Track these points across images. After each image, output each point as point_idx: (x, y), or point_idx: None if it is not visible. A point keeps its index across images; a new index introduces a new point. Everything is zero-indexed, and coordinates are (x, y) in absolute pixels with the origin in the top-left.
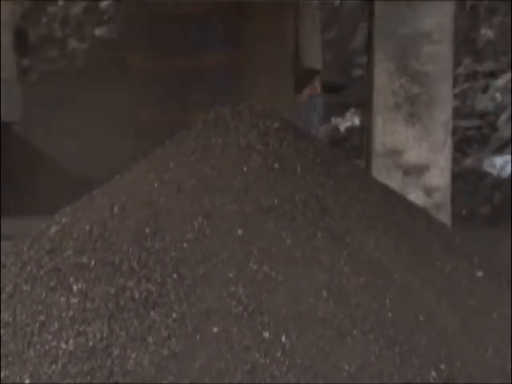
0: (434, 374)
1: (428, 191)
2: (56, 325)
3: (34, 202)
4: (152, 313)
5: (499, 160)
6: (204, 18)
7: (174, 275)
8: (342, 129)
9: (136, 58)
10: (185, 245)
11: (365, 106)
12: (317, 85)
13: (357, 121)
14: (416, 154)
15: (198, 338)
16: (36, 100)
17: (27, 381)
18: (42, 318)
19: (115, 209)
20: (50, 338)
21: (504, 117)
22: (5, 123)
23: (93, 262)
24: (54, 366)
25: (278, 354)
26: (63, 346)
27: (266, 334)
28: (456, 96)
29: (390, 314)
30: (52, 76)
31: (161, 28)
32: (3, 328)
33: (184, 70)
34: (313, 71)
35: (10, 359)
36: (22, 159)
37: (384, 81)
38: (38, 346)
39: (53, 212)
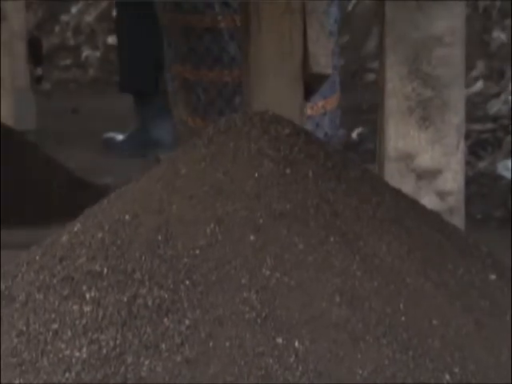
0: (447, 377)
1: (441, 195)
2: (69, 333)
3: (47, 210)
4: (165, 320)
5: None
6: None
7: (187, 282)
8: (354, 134)
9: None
10: (197, 251)
11: (377, 110)
12: (337, 95)
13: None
14: (429, 158)
15: (211, 344)
16: (50, 108)
17: None
18: (55, 326)
19: (127, 216)
20: (63, 346)
21: None
22: (18, 132)
23: (105, 270)
24: (67, 375)
25: (292, 360)
26: (77, 354)
27: (279, 340)
28: (469, 99)
29: (403, 318)
30: (65, 84)
31: (198, 40)
32: (17, 337)
33: (222, 82)
34: (322, 76)
35: (23, 368)
36: (35, 168)
37: (396, 85)
38: (51, 355)
39: (66, 220)
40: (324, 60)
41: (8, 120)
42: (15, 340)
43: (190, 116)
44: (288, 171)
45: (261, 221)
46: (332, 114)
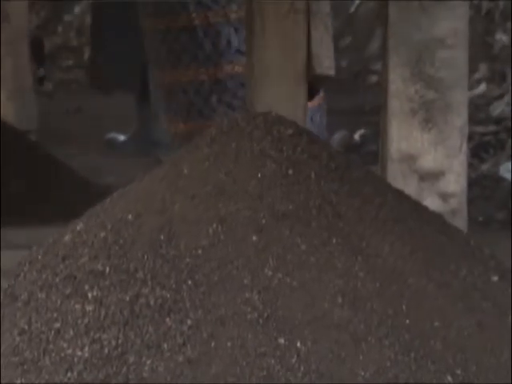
0: (449, 378)
1: (444, 197)
2: (71, 332)
3: (50, 210)
4: (167, 319)
5: None
6: (216, 28)
7: (189, 282)
8: (356, 136)
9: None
10: (199, 251)
11: (380, 112)
12: (320, 95)
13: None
14: (431, 160)
15: (213, 344)
16: (52, 108)
17: None
18: (57, 325)
19: (129, 216)
20: (65, 345)
21: None
22: (21, 132)
23: (108, 270)
24: (69, 374)
25: (293, 360)
26: (79, 353)
27: (281, 340)
28: (472, 101)
29: (405, 319)
30: (68, 85)
31: (175, 40)
32: (19, 336)
33: (199, 81)
34: (325, 78)
35: (25, 367)
36: (37, 167)
37: (399, 86)
38: (53, 354)
39: (68, 220)
40: (327, 61)
41: (10, 120)
42: (17, 339)
43: (172, 122)
44: (290, 172)
45: (263, 221)
46: (311, 112)
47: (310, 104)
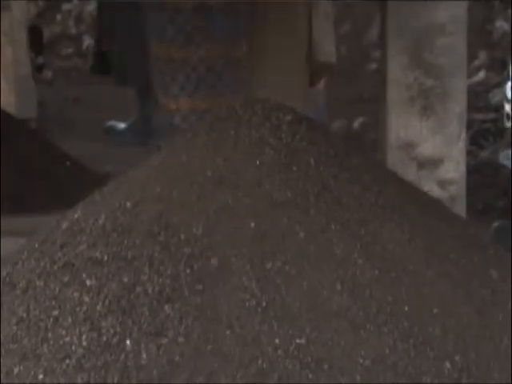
0: (448, 365)
1: (442, 184)
2: (69, 320)
3: (49, 197)
4: (165, 307)
5: None
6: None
7: (188, 270)
8: (355, 124)
9: (162, 48)
10: (198, 239)
11: (379, 100)
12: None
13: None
14: (430, 147)
15: (211, 332)
16: (51, 97)
17: (41, 376)
18: (55, 313)
19: (128, 204)
20: (63, 333)
21: None
22: (20, 120)
23: (106, 257)
24: (67, 361)
25: (292, 348)
26: (77, 341)
27: (280, 328)
28: (471, 89)
29: (404, 306)
30: (67, 73)
31: (186, 19)
32: (17, 324)
33: (210, 59)
34: (327, 65)
35: (23, 355)
36: (36, 156)
37: (397, 74)
38: (51, 342)
39: (67, 207)
40: (328, 48)
41: (9, 108)
42: (15, 327)
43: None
44: (289, 159)
45: (262, 209)
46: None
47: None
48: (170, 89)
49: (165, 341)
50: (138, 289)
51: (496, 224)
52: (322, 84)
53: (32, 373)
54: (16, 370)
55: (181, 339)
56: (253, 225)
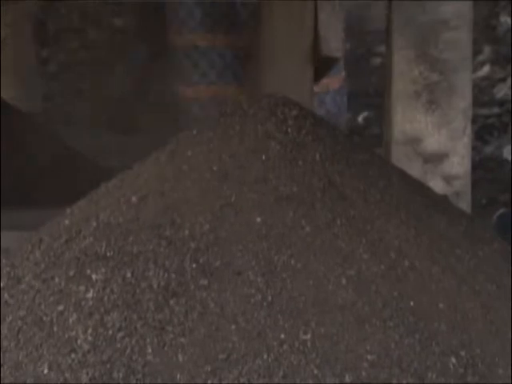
0: (453, 360)
1: (448, 179)
2: (74, 315)
3: (54, 191)
4: (171, 302)
5: None
6: None
7: (193, 265)
8: (360, 118)
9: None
10: (203, 234)
11: (384, 94)
12: (342, 75)
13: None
14: (435, 142)
15: (217, 327)
16: (56, 90)
17: (46, 370)
18: (60, 308)
19: (133, 198)
20: (69, 327)
21: None
22: (25, 113)
23: (111, 252)
24: (73, 355)
25: (298, 343)
26: (82, 335)
27: (286, 323)
28: (476, 84)
29: (409, 301)
30: (72, 66)
31: (206, 7)
32: (22, 318)
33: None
34: (333, 59)
35: (29, 349)
36: (42, 149)
37: (403, 68)
38: (57, 336)
39: (72, 201)
40: (334, 43)
41: (15, 101)
42: (20, 321)
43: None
44: (295, 154)
45: (267, 204)
46: (334, 93)
47: (332, 85)
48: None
49: (170, 335)
50: (143, 284)
51: (498, 213)
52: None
53: (37, 367)
54: (21, 364)
55: (186, 334)
56: (258, 219)
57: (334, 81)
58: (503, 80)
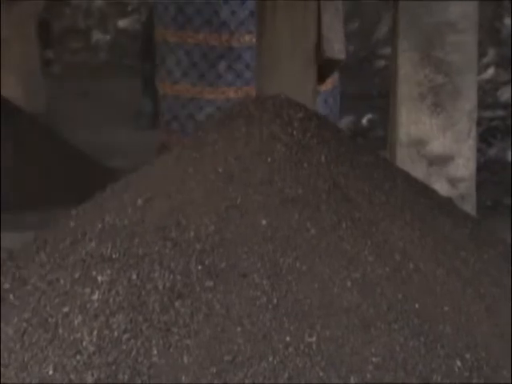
0: (458, 363)
1: (453, 181)
2: (80, 316)
3: (59, 192)
4: (176, 304)
5: None
6: None
7: (199, 266)
8: (364, 120)
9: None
10: (209, 236)
11: (389, 97)
12: (335, 76)
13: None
14: (440, 144)
15: (222, 329)
16: (60, 91)
17: (51, 372)
18: (65, 309)
19: (139, 200)
20: (74, 329)
21: None
22: (29, 114)
23: (116, 254)
24: (78, 357)
25: (303, 345)
26: (87, 337)
27: (291, 325)
28: (480, 86)
29: (414, 304)
30: (75, 67)
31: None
32: (28, 319)
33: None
34: (336, 61)
35: (34, 350)
36: (47, 150)
37: (408, 70)
38: (62, 338)
39: (77, 202)
40: (338, 45)
41: (19, 102)
42: (25, 323)
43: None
44: (300, 156)
45: (272, 206)
46: (326, 94)
47: (323, 87)
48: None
49: (175, 337)
50: (149, 285)
51: None
52: (331, 82)
53: (42, 368)
54: (26, 366)
55: (191, 335)
56: (264, 222)
57: (327, 82)
58: (507, 83)
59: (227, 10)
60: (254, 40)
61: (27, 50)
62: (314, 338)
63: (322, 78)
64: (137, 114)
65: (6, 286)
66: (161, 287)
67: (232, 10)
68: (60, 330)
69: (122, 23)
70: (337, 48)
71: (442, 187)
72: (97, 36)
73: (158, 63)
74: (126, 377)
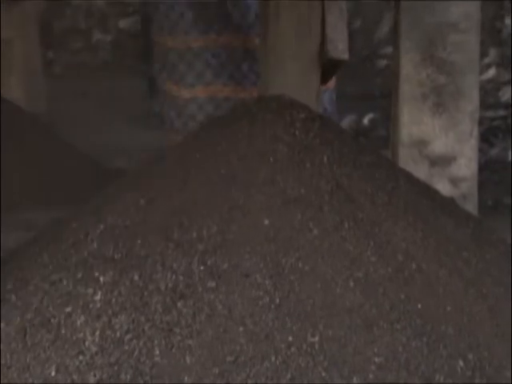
0: (461, 363)
1: (455, 181)
2: (82, 317)
3: (60, 192)
4: (179, 304)
5: None
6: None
7: (201, 267)
8: (365, 120)
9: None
10: (211, 236)
11: (391, 97)
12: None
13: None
14: (442, 145)
15: (224, 329)
16: (61, 91)
17: (53, 373)
18: (68, 309)
19: (141, 201)
20: (76, 329)
21: None
22: (30, 114)
23: (119, 255)
24: (80, 358)
25: (305, 345)
26: (90, 337)
27: (293, 325)
28: (481, 86)
29: (417, 304)
30: (76, 68)
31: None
32: (30, 320)
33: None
34: (339, 61)
35: (36, 351)
36: (48, 150)
37: (410, 71)
38: (64, 338)
39: (79, 203)
40: (342, 45)
41: (20, 102)
42: (28, 323)
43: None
44: (303, 156)
45: (275, 206)
46: (331, 92)
47: (329, 84)
48: (186, 78)
49: (177, 337)
50: (151, 286)
51: None
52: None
53: (44, 369)
54: (29, 366)
55: (194, 336)
56: (266, 222)
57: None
58: (509, 82)
59: (238, 14)
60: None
61: (29, 51)
62: (316, 338)
63: (325, 78)
64: (141, 114)
65: (8, 286)
66: (163, 288)
67: (241, 13)
68: (62, 331)
69: (123, 23)
70: (340, 48)
71: (444, 187)
72: (97, 36)
73: (167, 67)
74: (129, 377)
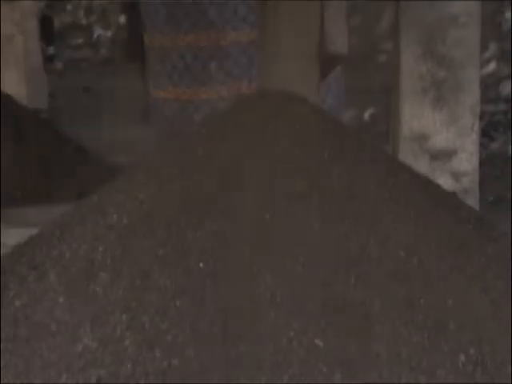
0: (463, 358)
1: (456, 176)
2: (82, 315)
3: (60, 188)
4: (178, 303)
5: None
6: None
7: (201, 264)
8: (365, 115)
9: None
10: (211, 233)
11: (391, 91)
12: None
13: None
14: (443, 139)
15: (225, 328)
16: (62, 87)
17: (53, 372)
18: (68, 308)
19: (139, 198)
20: (75, 327)
21: None
22: (31, 110)
23: (116, 254)
24: (80, 356)
25: (307, 342)
26: (89, 335)
27: (295, 322)
28: (482, 80)
29: (419, 299)
30: (77, 63)
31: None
32: (30, 320)
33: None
34: (338, 56)
35: (35, 350)
36: (49, 146)
37: (410, 65)
38: (64, 337)
39: (79, 199)
40: (340, 40)
41: (21, 98)
42: (27, 321)
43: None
44: (304, 151)
45: (276, 201)
46: (338, 82)
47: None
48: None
49: (178, 337)
50: (150, 285)
51: None
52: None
53: (44, 369)
54: (29, 365)
55: (194, 336)
56: (267, 217)
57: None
58: (509, 77)
59: (213, 10)
60: (240, 36)
61: (29, 47)
62: (318, 334)
63: (324, 72)
64: (141, 110)
65: (7, 284)
66: (162, 287)
67: (217, 8)
68: (61, 329)
69: (124, 19)
70: (339, 43)
71: (445, 182)
72: (98, 32)
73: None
74: (127, 376)
